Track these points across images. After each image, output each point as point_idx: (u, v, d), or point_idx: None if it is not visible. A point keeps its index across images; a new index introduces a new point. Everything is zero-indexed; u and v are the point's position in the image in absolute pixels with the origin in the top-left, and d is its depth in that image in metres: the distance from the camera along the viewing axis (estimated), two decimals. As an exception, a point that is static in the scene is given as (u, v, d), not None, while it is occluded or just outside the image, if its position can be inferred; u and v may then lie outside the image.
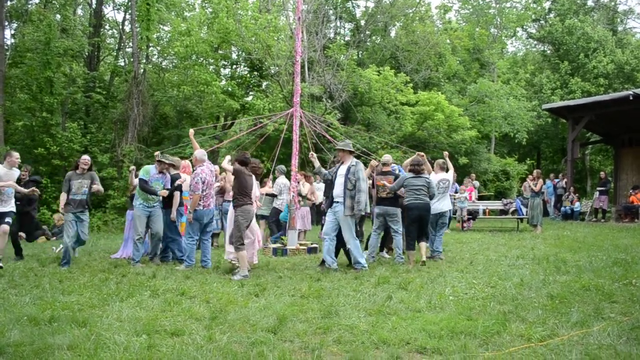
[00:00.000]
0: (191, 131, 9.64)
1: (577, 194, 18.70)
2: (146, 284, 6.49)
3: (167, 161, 8.75)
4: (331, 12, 26.80)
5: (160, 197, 8.53)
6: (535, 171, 14.48)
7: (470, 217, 15.11)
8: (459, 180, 16.90)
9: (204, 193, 7.98)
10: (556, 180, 19.12)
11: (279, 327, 4.49)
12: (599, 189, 17.75)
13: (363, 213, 7.79)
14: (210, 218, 8.28)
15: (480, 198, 18.61)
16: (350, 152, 8.02)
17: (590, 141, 24.82)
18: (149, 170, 8.50)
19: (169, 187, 8.63)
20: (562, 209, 18.10)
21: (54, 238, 13.72)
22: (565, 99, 24.59)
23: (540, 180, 13.85)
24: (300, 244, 10.31)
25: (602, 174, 18.56)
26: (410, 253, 8.19)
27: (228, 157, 8.37)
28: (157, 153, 8.88)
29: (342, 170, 7.85)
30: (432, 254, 8.90)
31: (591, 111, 17.65)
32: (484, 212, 16.26)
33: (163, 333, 4.36)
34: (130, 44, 20.19)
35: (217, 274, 7.40)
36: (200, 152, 8.27)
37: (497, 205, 17.25)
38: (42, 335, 4.24)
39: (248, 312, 5.03)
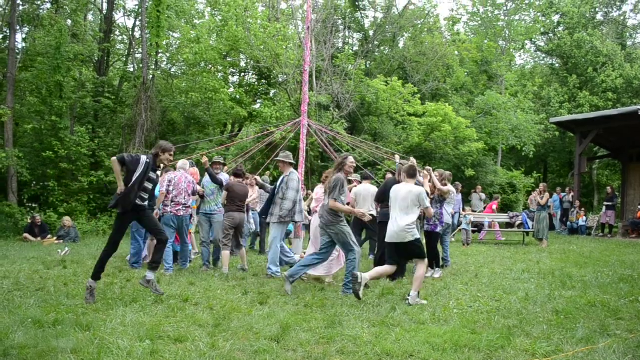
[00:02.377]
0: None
1: (583, 209, 18.61)
2: (150, 290, 6.48)
3: (221, 161, 9.08)
4: (340, 22, 26.90)
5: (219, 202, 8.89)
6: (541, 185, 14.43)
7: (475, 229, 15.02)
8: (465, 193, 16.84)
9: (172, 197, 8.29)
10: (563, 194, 19.04)
11: (283, 336, 4.48)
12: (606, 203, 17.68)
13: (292, 220, 8.10)
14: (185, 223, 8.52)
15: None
16: (290, 164, 8.22)
17: (597, 156, 24.73)
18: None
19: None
20: (568, 223, 18.02)
21: (60, 241, 13.77)
22: (573, 113, 24.55)
23: (547, 194, 13.79)
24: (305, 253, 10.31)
25: (609, 189, 18.48)
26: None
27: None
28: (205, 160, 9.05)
29: (279, 180, 8.24)
30: (444, 263, 9.08)
31: (599, 125, 17.60)
32: (490, 225, 16.19)
33: (166, 339, 4.36)
34: (140, 50, 20.30)
35: (221, 280, 7.40)
36: (180, 162, 8.81)
37: (503, 218, 17.17)
38: (46, 338, 4.25)
39: (252, 320, 5.03)
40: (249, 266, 8.78)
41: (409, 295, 6.06)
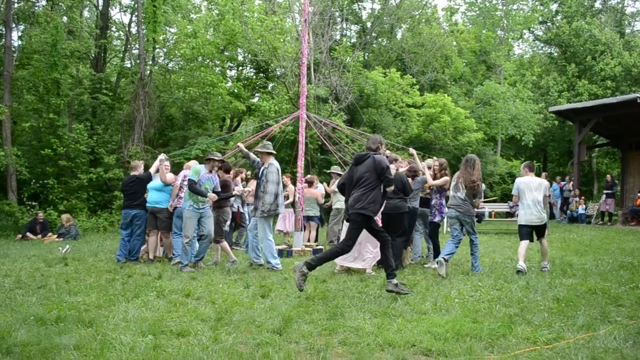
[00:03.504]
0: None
1: (582, 197, 18.62)
2: (152, 285, 6.51)
3: (217, 158, 8.52)
4: (337, 14, 26.80)
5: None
6: (543, 174, 14.43)
7: (476, 219, 15.01)
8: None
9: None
10: (562, 183, 19.05)
11: (285, 329, 4.49)
12: (605, 192, 17.69)
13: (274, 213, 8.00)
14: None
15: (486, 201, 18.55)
16: (269, 154, 8.04)
17: (597, 144, 24.71)
18: (199, 171, 8.20)
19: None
20: (568, 212, 18.05)
21: (61, 239, 13.80)
22: (572, 102, 24.48)
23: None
24: (306, 246, 10.32)
25: (609, 177, 18.49)
26: None
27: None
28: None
29: (260, 172, 8.12)
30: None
31: (598, 114, 17.57)
32: (490, 215, 16.21)
33: (169, 333, 4.37)
34: (137, 45, 20.27)
35: (223, 274, 7.41)
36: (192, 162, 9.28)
37: (503, 207, 17.19)
38: (49, 335, 4.26)
39: (254, 313, 5.04)
40: (243, 260, 8.80)
41: (544, 267, 7.56)
